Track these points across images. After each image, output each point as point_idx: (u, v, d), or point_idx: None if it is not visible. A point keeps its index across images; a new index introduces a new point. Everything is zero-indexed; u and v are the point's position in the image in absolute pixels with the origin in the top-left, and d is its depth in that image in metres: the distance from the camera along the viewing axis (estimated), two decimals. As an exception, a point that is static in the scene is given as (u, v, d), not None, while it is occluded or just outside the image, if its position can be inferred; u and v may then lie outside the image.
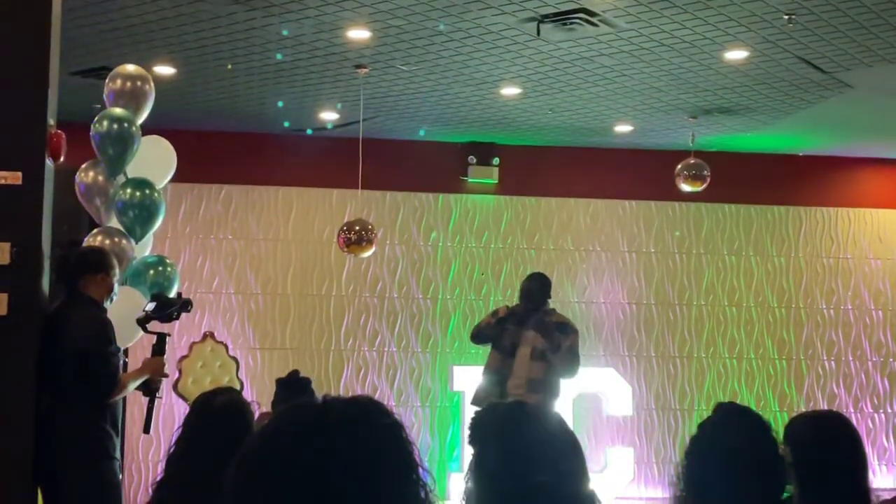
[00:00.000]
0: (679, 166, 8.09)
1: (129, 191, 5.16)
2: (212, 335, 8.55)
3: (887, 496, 3.47)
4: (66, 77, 5.75)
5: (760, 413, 2.75)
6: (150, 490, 3.25)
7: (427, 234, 9.06)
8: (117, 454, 4.60)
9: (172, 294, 5.19)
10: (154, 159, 5.43)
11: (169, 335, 5.02)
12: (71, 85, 6.19)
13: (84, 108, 5.35)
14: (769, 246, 9.50)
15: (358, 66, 6.71)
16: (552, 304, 6.95)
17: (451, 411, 8.82)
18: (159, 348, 4.86)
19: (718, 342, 9.33)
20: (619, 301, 9.24)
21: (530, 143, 9.08)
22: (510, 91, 7.36)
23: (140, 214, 5.17)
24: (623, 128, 8.49)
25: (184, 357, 8.41)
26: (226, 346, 8.57)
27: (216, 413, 3.18)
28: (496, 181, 9.09)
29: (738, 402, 2.83)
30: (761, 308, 9.42)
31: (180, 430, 3.20)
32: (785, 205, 9.54)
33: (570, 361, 6.66)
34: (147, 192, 5.20)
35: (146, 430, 4.98)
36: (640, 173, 9.19)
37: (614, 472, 8.71)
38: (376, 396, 7.82)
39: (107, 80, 5.33)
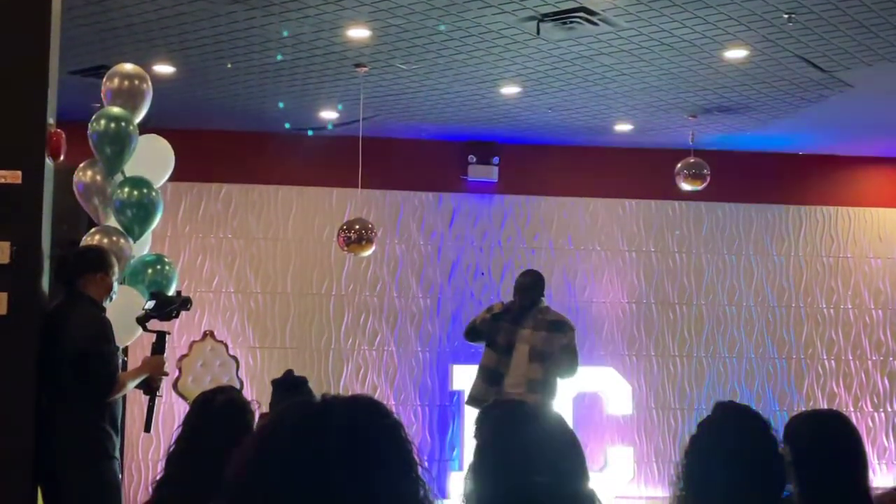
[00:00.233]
0: (679, 165, 8.09)
1: (126, 190, 5.16)
2: (211, 334, 8.55)
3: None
4: (66, 76, 5.75)
5: (760, 412, 2.75)
6: (150, 489, 3.25)
7: (427, 234, 9.05)
8: (117, 454, 4.60)
9: (171, 292, 5.19)
10: (152, 158, 5.43)
11: (168, 333, 5.03)
12: (70, 84, 6.19)
13: (84, 107, 5.35)
14: (769, 245, 9.50)
15: (358, 65, 6.71)
16: (545, 301, 6.89)
17: (451, 410, 8.82)
18: (159, 347, 4.86)
19: (718, 341, 9.33)
20: (618, 300, 9.24)
21: (530, 142, 9.08)
22: (510, 90, 7.36)
23: (138, 213, 5.17)
24: (623, 127, 8.49)
25: (184, 356, 8.41)
26: (225, 345, 8.57)
27: (216, 412, 3.18)
28: (496, 180, 9.09)
29: (737, 401, 2.83)
30: (761, 307, 9.42)
31: (181, 428, 3.20)
32: (785, 204, 9.53)
33: (570, 361, 6.61)
34: (145, 190, 5.20)
35: (147, 428, 4.98)
36: (640, 172, 9.19)
37: (614, 472, 8.71)
38: (376, 395, 7.81)
39: (104, 79, 5.33)
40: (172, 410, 8.20)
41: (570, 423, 2.51)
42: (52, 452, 4.38)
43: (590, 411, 8.82)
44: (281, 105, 7.85)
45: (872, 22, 5.78)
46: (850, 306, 9.53)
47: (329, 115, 8.08)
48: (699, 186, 8.10)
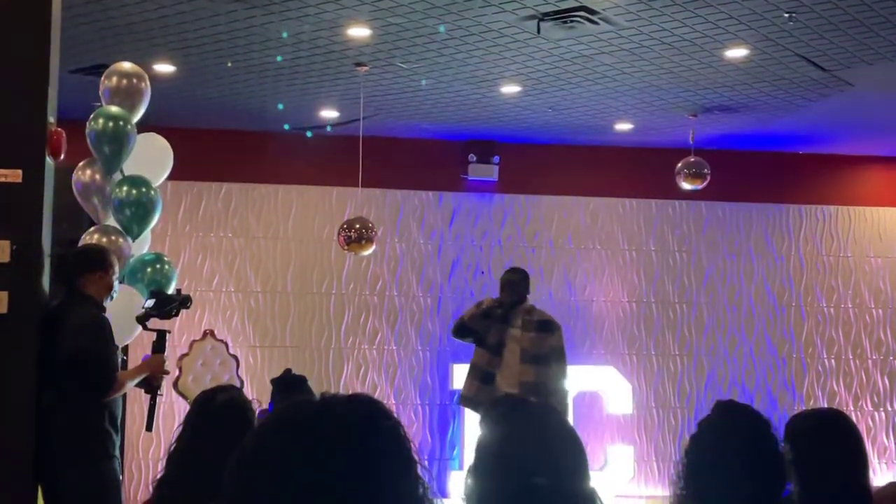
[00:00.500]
0: (679, 164, 8.09)
1: (125, 188, 5.15)
2: (212, 333, 8.55)
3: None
4: (66, 75, 5.74)
5: (760, 411, 2.75)
6: (150, 488, 3.25)
7: (427, 233, 9.05)
8: (117, 453, 4.60)
9: (171, 291, 5.19)
10: (150, 157, 5.43)
11: (169, 332, 5.02)
12: (70, 83, 6.18)
13: (84, 106, 5.34)
14: (769, 244, 9.50)
15: (358, 64, 6.71)
16: (529, 299, 6.88)
17: (451, 410, 8.82)
18: (159, 346, 4.86)
19: (718, 340, 9.33)
20: (619, 299, 9.24)
21: (530, 142, 9.08)
22: (510, 89, 7.36)
23: (136, 212, 5.16)
24: (623, 126, 8.49)
25: (184, 355, 8.41)
26: (226, 344, 8.57)
27: (217, 411, 3.18)
28: (496, 179, 9.09)
29: (738, 400, 2.83)
30: (761, 306, 9.42)
31: (181, 427, 3.20)
32: (785, 203, 9.54)
33: (559, 361, 6.61)
34: (143, 189, 5.19)
35: (149, 427, 4.98)
36: (641, 171, 9.19)
37: (614, 471, 8.71)
38: (376, 395, 7.81)
39: (102, 78, 5.33)
40: (173, 409, 8.20)
41: (570, 421, 2.50)
42: (52, 452, 4.38)
43: (590, 410, 8.82)
44: (280, 107, 7.85)
45: (873, 21, 5.78)
46: (850, 305, 9.53)
47: (329, 114, 8.08)
48: (699, 185, 8.10)
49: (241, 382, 8.36)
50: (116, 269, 4.78)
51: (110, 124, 5.09)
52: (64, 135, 4.55)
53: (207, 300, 8.59)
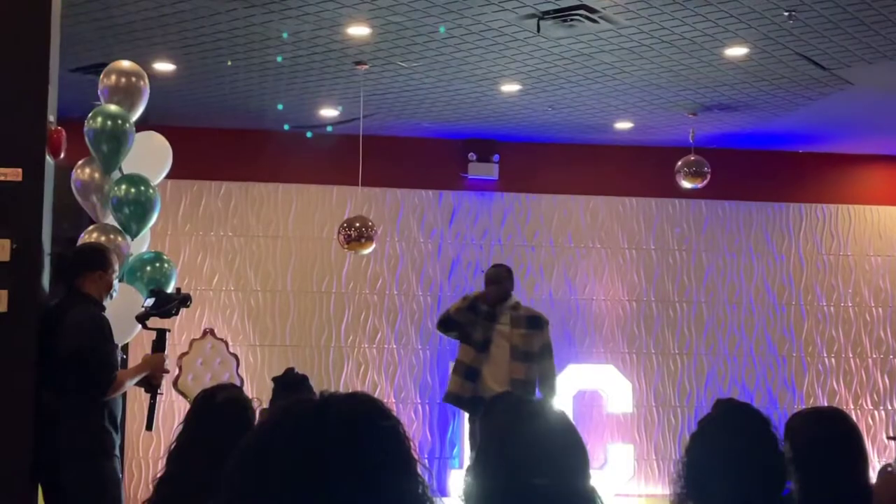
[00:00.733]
0: (679, 163, 8.09)
1: (123, 187, 5.14)
2: (211, 332, 8.55)
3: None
4: (66, 74, 5.75)
5: (760, 410, 2.75)
6: (150, 486, 3.25)
7: (427, 231, 9.05)
8: (117, 451, 4.59)
9: (170, 290, 5.18)
10: (149, 155, 5.42)
11: (169, 331, 5.01)
12: (70, 82, 6.18)
13: (84, 104, 5.34)
14: (769, 243, 9.50)
15: (358, 63, 6.71)
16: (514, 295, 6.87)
17: (451, 409, 8.80)
18: (159, 345, 4.85)
19: (718, 339, 9.33)
20: (619, 298, 9.24)
21: (530, 140, 9.08)
22: (510, 88, 7.36)
23: (135, 211, 5.16)
24: (623, 124, 8.49)
25: (184, 354, 8.41)
26: (226, 343, 8.57)
27: (217, 410, 3.18)
28: (496, 178, 9.09)
29: (737, 398, 2.83)
30: (761, 305, 9.42)
31: (181, 426, 3.20)
32: (785, 201, 9.53)
33: (549, 357, 6.58)
34: (142, 188, 5.19)
35: (149, 426, 4.97)
36: (641, 170, 9.19)
37: (614, 469, 8.71)
38: (376, 393, 7.80)
39: (101, 76, 5.32)
40: (173, 408, 8.20)
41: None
42: (52, 450, 4.38)
43: (590, 409, 8.83)
44: (280, 107, 7.85)
45: (873, 20, 5.78)
46: (850, 304, 9.53)
47: (329, 112, 8.08)
48: (699, 184, 8.10)
49: (241, 381, 8.36)
50: (116, 267, 4.77)
51: (108, 123, 5.09)
52: (64, 133, 4.55)
53: (207, 299, 8.59)
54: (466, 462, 8.10)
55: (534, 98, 7.65)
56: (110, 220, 5.20)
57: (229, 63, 6.74)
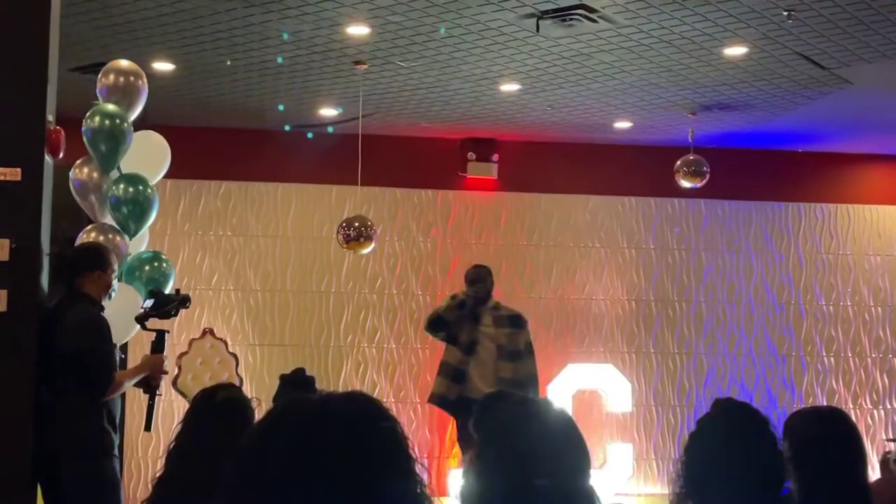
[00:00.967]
0: (678, 162, 8.09)
1: (122, 187, 5.14)
2: (211, 332, 8.55)
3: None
4: (65, 73, 5.75)
5: (759, 409, 2.75)
6: (150, 486, 3.25)
7: (426, 231, 9.05)
8: (116, 451, 4.59)
9: (169, 290, 5.18)
10: (148, 155, 5.41)
11: (168, 332, 5.01)
12: (70, 81, 6.18)
13: (83, 104, 5.34)
14: (768, 242, 9.50)
15: (357, 63, 6.71)
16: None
17: (451, 408, 8.81)
18: (159, 345, 4.85)
19: (718, 338, 9.33)
20: (618, 297, 9.24)
21: (530, 140, 9.08)
22: (509, 87, 7.36)
23: (133, 211, 5.15)
24: (622, 124, 8.49)
25: (183, 353, 8.41)
26: (225, 343, 8.57)
27: (216, 409, 3.18)
28: (495, 177, 9.09)
29: (737, 398, 2.83)
30: (760, 304, 9.42)
31: (180, 426, 3.20)
32: (784, 201, 9.54)
33: (532, 354, 6.69)
34: (140, 188, 5.18)
35: (147, 427, 4.97)
36: (640, 169, 9.19)
37: (614, 469, 8.72)
38: (375, 393, 7.79)
39: (100, 75, 5.32)
40: (172, 408, 8.19)
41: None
42: (51, 450, 4.37)
43: (589, 408, 8.82)
44: (281, 108, 7.85)
45: (872, 19, 5.78)
46: (849, 303, 9.53)
47: (328, 112, 8.08)
48: (699, 183, 8.10)
49: (241, 381, 8.36)
50: (116, 267, 4.77)
51: (106, 122, 5.08)
52: (63, 133, 4.55)
53: (206, 298, 8.59)
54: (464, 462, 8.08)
55: (533, 98, 7.65)
56: (109, 219, 5.19)
57: (228, 62, 6.74)
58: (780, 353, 9.39)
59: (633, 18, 5.80)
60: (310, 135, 8.64)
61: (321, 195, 8.88)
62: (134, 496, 8.04)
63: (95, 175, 5.17)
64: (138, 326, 4.93)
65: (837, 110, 7.89)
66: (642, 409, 9.13)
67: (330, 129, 8.43)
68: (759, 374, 9.33)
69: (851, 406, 9.26)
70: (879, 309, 9.57)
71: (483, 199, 9.17)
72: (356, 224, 7.25)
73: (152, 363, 4.81)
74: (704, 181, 8.09)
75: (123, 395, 4.92)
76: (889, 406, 9.47)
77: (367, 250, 7.46)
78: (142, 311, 4.87)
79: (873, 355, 9.51)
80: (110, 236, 5.07)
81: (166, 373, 5.00)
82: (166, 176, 5.73)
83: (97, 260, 4.65)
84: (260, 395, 4.10)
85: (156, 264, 5.29)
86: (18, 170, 4.30)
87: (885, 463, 4.09)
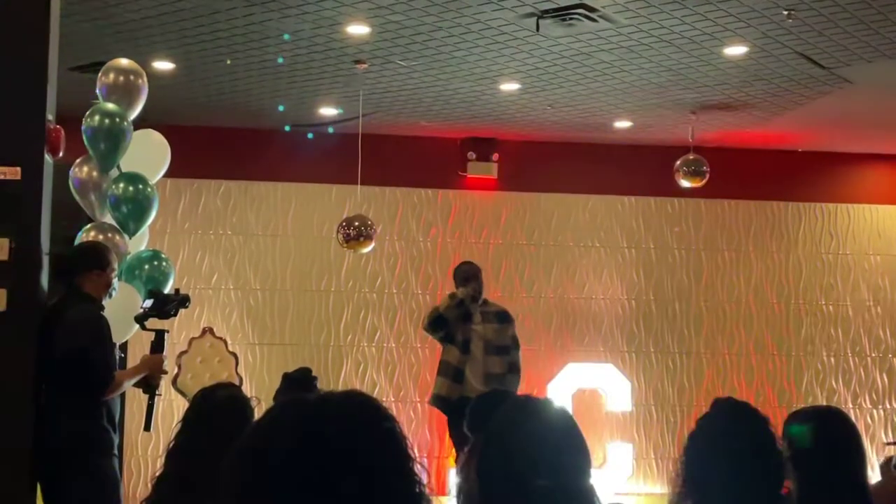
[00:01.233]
0: (678, 162, 8.09)
1: (121, 186, 5.14)
2: (211, 331, 8.55)
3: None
4: (65, 72, 5.75)
5: (759, 409, 2.75)
6: (149, 485, 3.25)
7: (426, 230, 9.05)
8: (116, 450, 4.59)
9: (168, 289, 5.18)
10: (147, 154, 5.41)
11: (167, 332, 5.01)
12: (69, 80, 6.18)
13: (83, 103, 5.34)
14: (768, 242, 9.50)
15: (357, 62, 6.71)
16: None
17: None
18: (158, 345, 4.85)
19: (717, 338, 9.33)
20: (618, 297, 9.24)
21: (529, 139, 9.08)
22: (509, 87, 7.36)
23: (133, 210, 5.15)
24: (622, 123, 8.49)
25: (183, 353, 8.41)
26: (225, 342, 8.57)
27: (216, 408, 3.18)
28: (495, 177, 9.09)
29: (736, 397, 2.83)
30: (760, 304, 9.42)
31: (180, 425, 3.20)
32: (784, 200, 9.53)
33: (518, 349, 6.82)
34: (140, 187, 5.18)
35: (147, 427, 4.97)
36: (640, 169, 9.19)
37: (613, 468, 8.72)
38: (375, 392, 7.79)
39: (99, 74, 5.32)
40: (171, 407, 8.19)
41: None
42: (51, 450, 4.37)
43: (589, 408, 8.82)
44: (281, 108, 7.85)
45: (872, 19, 5.78)
46: (849, 303, 9.53)
47: (328, 111, 8.08)
48: (699, 183, 8.11)
49: (240, 380, 8.36)
50: (116, 266, 4.77)
51: (106, 121, 5.08)
52: (63, 132, 4.55)
53: (206, 297, 8.59)
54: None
55: (533, 97, 7.65)
56: (108, 218, 5.19)
57: (228, 62, 6.74)
58: (780, 352, 9.39)
59: (633, 18, 5.80)
60: (310, 135, 8.63)
61: (321, 194, 8.88)
62: (134, 495, 8.04)
63: (95, 174, 5.17)
64: (138, 326, 4.93)
65: (837, 110, 7.89)
66: (642, 408, 9.13)
67: (330, 130, 8.43)
68: (759, 373, 9.33)
69: (851, 406, 9.26)
70: (879, 308, 9.57)
71: (483, 199, 9.17)
72: (356, 223, 7.25)
73: (152, 363, 4.81)
74: (704, 181, 8.09)
75: (123, 395, 4.92)
76: (889, 406, 9.47)
77: (366, 249, 7.47)
78: (141, 310, 4.87)
79: (873, 355, 9.51)
80: (110, 235, 5.06)
81: (166, 372, 5.00)
82: (166, 175, 5.73)
83: (97, 259, 4.65)
84: (259, 394, 4.10)
85: (155, 263, 5.29)
86: (18, 169, 4.30)
87: (886, 466, 4.08)
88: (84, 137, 5.09)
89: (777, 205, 9.53)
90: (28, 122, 4.37)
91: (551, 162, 9.19)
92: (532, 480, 2.14)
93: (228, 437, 1.93)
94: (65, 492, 4.44)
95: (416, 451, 1.29)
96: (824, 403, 8.84)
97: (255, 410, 3.27)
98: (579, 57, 6.58)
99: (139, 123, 5.41)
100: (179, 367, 8.36)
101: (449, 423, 6.91)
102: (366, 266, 8.87)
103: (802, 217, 9.57)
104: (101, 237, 5.00)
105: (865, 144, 9.31)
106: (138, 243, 5.34)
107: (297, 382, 4.99)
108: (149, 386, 4.84)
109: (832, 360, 9.45)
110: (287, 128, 8.46)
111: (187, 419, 3.20)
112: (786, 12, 5.64)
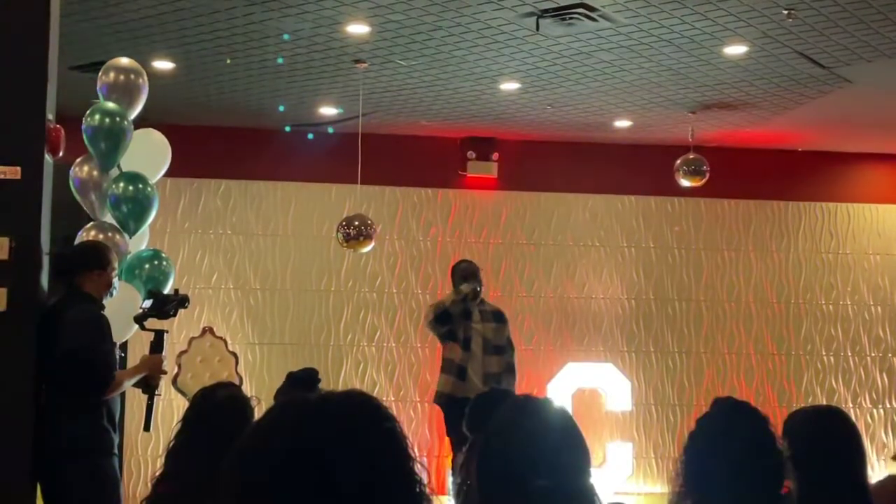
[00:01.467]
0: (678, 161, 8.09)
1: (121, 185, 5.14)
2: (211, 330, 8.55)
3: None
4: (65, 72, 5.75)
5: (759, 408, 2.75)
6: (149, 485, 3.25)
7: (426, 230, 9.05)
8: (115, 450, 4.59)
9: (168, 289, 5.17)
10: (148, 153, 5.41)
11: (167, 332, 5.01)
12: (69, 80, 6.18)
13: (83, 102, 5.34)
14: (768, 241, 9.50)
15: (357, 61, 6.71)
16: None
17: (451, 406, 8.80)
18: (158, 345, 4.85)
19: (717, 337, 9.33)
20: (618, 296, 9.24)
21: (529, 139, 9.08)
22: (509, 86, 7.36)
23: (133, 209, 5.15)
24: (622, 123, 8.49)
25: (183, 352, 8.41)
26: (225, 342, 8.57)
27: (216, 408, 3.18)
28: (495, 176, 9.09)
29: (736, 397, 2.83)
30: (760, 303, 9.42)
31: (180, 424, 3.20)
32: (784, 200, 9.54)
33: (513, 349, 6.92)
34: (140, 186, 5.18)
35: (146, 427, 4.97)
36: (640, 168, 9.19)
37: (613, 468, 8.72)
38: (375, 392, 7.81)
39: (100, 74, 5.32)
40: (171, 406, 8.19)
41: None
42: (50, 449, 4.37)
43: (589, 407, 8.82)
44: (281, 109, 7.85)
45: (872, 18, 5.78)
46: (849, 302, 9.53)
47: (328, 111, 8.08)
48: (698, 183, 8.11)
49: (240, 379, 8.36)
50: (116, 265, 4.77)
51: (106, 120, 5.08)
52: (63, 131, 4.55)
53: (206, 297, 8.59)
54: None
55: (533, 96, 7.65)
56: (109, 217, 5.19)
57: (228, 61, 6.74)
58: (780, 351, 9.39)
59: (633, 17, 5.80)
60: (310, 135, 8.63)
61: (321, 194, 8.88)
62: (133, 495, 8.04)
63: (95, 173, 5.17)
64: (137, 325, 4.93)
65: (837, 109, 7.89)
66: (642, 407, 9.13)
67: (330, 130, 8.43)
68: (759, 372, 9.33)
69: (851, 405, 9.26)
70: (879, 308, 9.57)
71: (483, 198, 9.17)
72: (356, 223, 7.25)
73: (151, 363, 4.81)
74: (704, 180, 8.09)
75: (123, 395, 4.93)
76: (889, 405, 9.47)
77: (366, 249, 7.47)
78: (140, 311, 4.87)
79: (873, 354, 9.51)
80: (110, 234, 5.07)
81: (165, 373, 4.99)
82: (166, 174, 5.74)
83: (97, 258, 4.65)
84: (259, 394, 4.10)
85: (155, 263, 5.29)
86: (18, 168, 4.30)
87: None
88: (84, 137, 5.09)
89: (777, 204, 9.53)
90: (28, 122, 4.37)
91: (551, 161, 9.19)
92: (532, 480, 2.14)
93: (228, 437, 1.93)
94: (65, 492, 4.44)
95: (416, 450, 1.29)
96: (824, 403, 8.85)
97: (255, 410, 3.28)
98: (579, 56, 6.58)
99: (139, 123, 5.41)
100: (179, 367, 8.36)
101: (447, 421, 6.91)
102: (366, 266, 8.87)
103: (802, 216, 9.57)
104: (101, 237, 5.00)
105: (865, 144, 9.31)
106: (138, 243, 5.34)
107: (300, 382, 4.99)
108: (148, 386, 4.84)
109: (832, 359, 9.45)
110: (287, 128, 8.46)
111: (187, 419, 3.21)
112: (786, 12, 5.64)
